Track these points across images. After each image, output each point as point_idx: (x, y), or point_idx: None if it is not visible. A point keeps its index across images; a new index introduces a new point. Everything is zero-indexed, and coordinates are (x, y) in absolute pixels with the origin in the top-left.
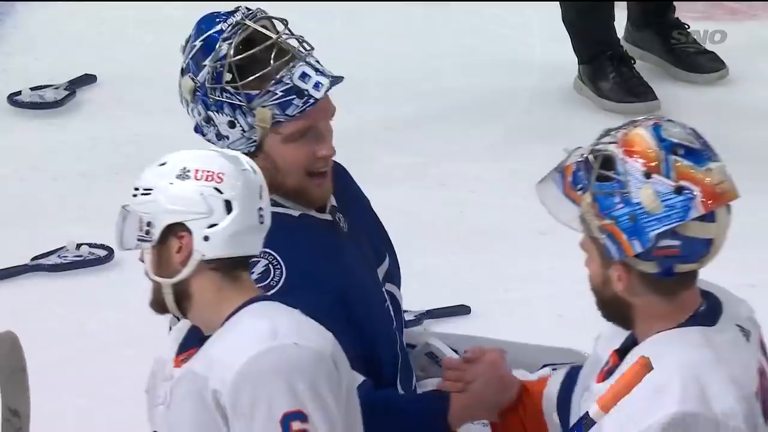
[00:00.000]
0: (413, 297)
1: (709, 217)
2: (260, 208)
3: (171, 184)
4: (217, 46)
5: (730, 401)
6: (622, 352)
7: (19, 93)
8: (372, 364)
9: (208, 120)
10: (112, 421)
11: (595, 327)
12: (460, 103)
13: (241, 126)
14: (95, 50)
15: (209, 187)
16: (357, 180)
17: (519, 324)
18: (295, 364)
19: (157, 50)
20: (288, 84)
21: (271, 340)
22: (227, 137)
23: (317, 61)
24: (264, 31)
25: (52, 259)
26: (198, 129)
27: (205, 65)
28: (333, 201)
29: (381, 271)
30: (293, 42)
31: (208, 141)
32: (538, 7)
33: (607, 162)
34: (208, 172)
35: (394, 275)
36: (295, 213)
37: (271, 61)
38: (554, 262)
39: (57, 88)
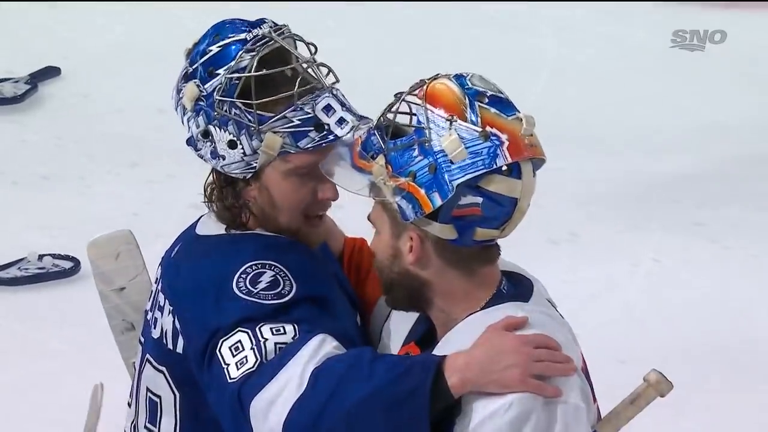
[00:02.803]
0: None
1: (515, 173)
2: None
3: None
4: (237, 56)
5: (567, 381)
6: (423, 342)
7: None
8: None
9: (207, 134)
10: None
11: (613, 347)
12: None
13: (242, 148)
14: (60, 40)
15: None
16: None
17: None
18: None
19: (128, 40)
20: (308, 114)
21: None
22: (223, 157)
23: (344, 96)
24: (292, 51)
25: (12, 272)
26: (191, 142)
27: (217, 74)
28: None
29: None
30: (321, 70)
31: (200, 157)
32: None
33: (405, 118)
34: None
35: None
36: (284, 238)
37: (296, 86)
38: (567, 273)
39: (17, 82)
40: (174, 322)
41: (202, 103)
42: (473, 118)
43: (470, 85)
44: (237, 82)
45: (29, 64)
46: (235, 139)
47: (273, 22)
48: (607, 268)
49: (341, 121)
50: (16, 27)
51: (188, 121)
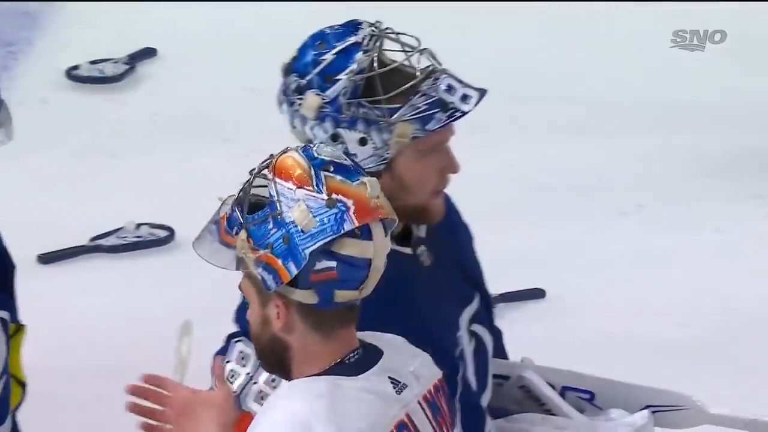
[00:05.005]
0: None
1: (365, 234)
2: None
3: None
4: (357, 58)
5: None
6: None
7: (77, 67)
8: None
9: (336, 138)
10: None
11: (677, 316)
12: (531, 81)
13: (373, 143)
14: (156, 22)
15: None
16: None
17: (595, 311)
18: None
19: (220, 22)
20: (433, 97)
21: None
22: (355, 155)
23: (457, 74)
24: (405, 42)
25: (111, 240)
26: None
27: (338, 79)
28: (421, 232)
29: (468, 312)
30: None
31: None
32: None
33: (260, 191)
34: None
35: (483, 316)
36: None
37: (417, 73)
38: (634, 244)
39: (116, 62)
40: None
41: (326, 109)
42: (319, 187)
43: (316, 156)
44: (361, 82)
45: (127, 45)
46: (365, 136)
47: (366, 21)
48: (671, 239)
49: (465, 97)
50: (117, 11)
51: (311, 129)
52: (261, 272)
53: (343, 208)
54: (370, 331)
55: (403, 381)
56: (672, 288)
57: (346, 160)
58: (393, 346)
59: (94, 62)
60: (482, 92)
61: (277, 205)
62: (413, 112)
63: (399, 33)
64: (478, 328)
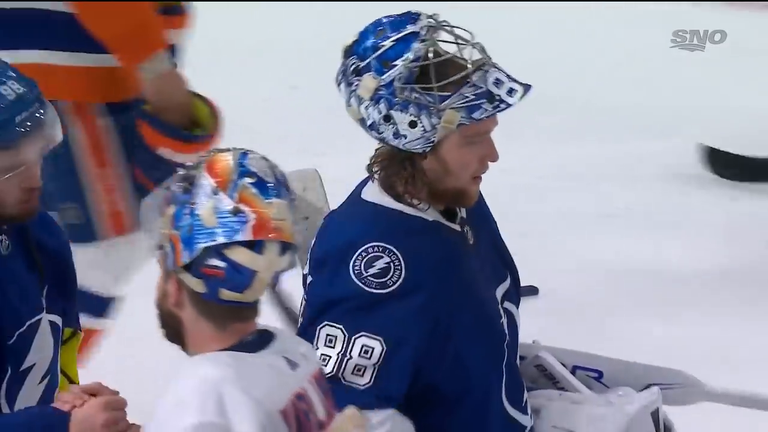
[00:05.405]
0: None
1: (258, 248)
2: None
3: None
4: (414, 47)
5: (245, 413)
6: None
7: None
8: (464, 380)
9: (388, 119)
10: None
11: (665, 309)
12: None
13: (423, 126)
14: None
15: None
16: None
17: (586, 306)
18: None
19: (239, 39)
20: (481, 88)
21: None
22: (405, 136)
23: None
24: (459, 35)
25: None
26: (373, 127)
27: (395, 65)
28: (463, 212)
29: (501, 290)
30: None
31: (381, 139)
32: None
33: (190, 176)
34: None
35: (513, 295)
36: (429, 218)
37: (469, 65)
38: (621, 244)
39: None
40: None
41: (381, 92)
42: (233, 194)
43: (246, 164)
44: (416, 69)
45: None
46: (415, 119)
47: (424, 13)
48: (654, 239)
49: (511, 91)
50: None
51: (366, 108)
52: (167, 249)
53: (244, 220)
54: (430, 299)
55: (295, 360)
56: (657, 284)
57: (269, 176)
58: (282, 331)
59: None
60: (527, 87)
61: (195, 196)
62: (462, 101)
63: (454, 26)
64: (509, 305)
